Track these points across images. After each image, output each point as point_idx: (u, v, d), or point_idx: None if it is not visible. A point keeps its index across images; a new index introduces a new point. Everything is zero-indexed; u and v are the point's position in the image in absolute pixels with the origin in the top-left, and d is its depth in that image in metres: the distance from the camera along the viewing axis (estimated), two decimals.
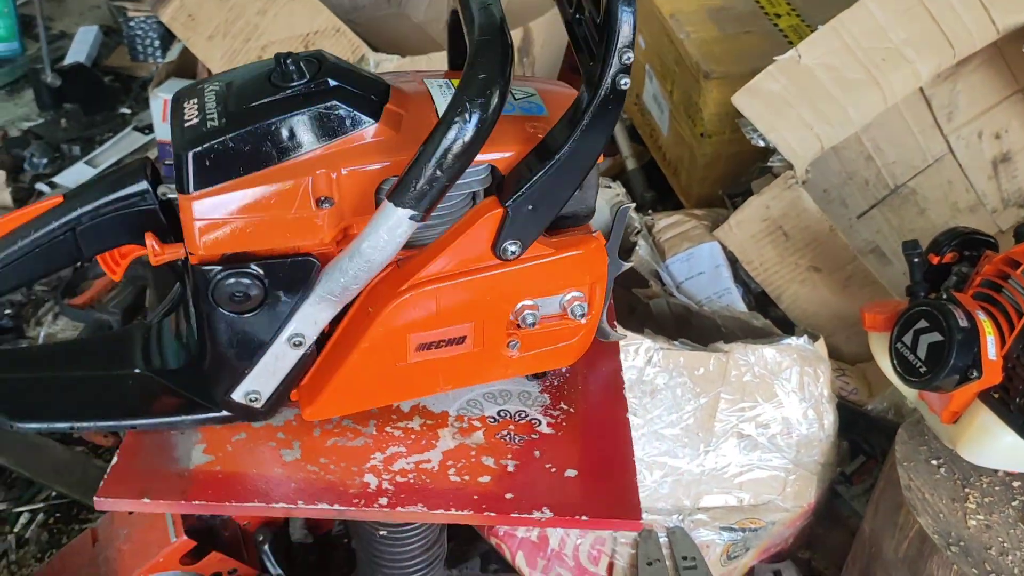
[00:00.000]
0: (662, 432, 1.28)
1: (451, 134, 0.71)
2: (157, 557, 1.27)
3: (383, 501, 0.83)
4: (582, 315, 0.84)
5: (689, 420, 1.29)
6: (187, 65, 2.28)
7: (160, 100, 2.23)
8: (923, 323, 1.16)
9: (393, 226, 0.74)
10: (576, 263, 0.83)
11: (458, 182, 0.75)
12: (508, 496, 0.83)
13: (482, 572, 1.43)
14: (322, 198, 0.77)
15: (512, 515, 0.82)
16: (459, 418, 0.91)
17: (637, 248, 1.63)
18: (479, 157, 0.75)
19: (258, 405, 0.85)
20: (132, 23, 2.77)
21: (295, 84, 0.78)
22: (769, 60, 1.57)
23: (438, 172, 0.71)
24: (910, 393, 1.25)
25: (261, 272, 0.78)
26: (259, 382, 0.83)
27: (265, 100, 0.77)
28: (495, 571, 1.42)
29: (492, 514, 0.82)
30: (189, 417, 0.86)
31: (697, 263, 1.63)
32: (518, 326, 0.84)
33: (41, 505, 1.55)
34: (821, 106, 1.52)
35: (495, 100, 0.72)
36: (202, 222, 0.76)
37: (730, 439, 1.31)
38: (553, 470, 0.86)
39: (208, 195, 0.76)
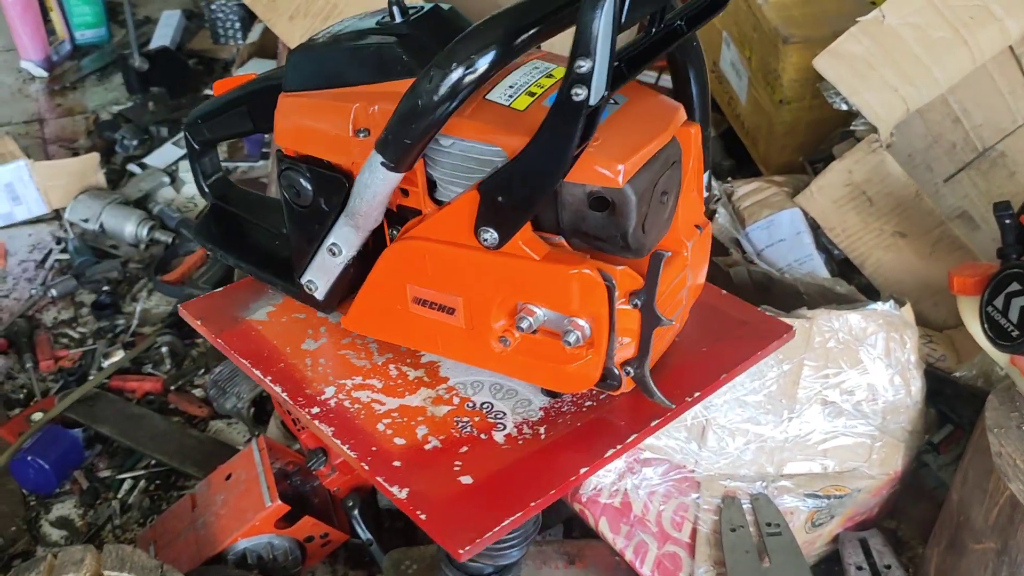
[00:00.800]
0: (745, 399, 1.28)
1: (411, 94, 0.73)
2: (253, 521, 1.32)
3: (314, 410, 0.88)
4: (573, 343, 0.78)
5: (772, 387, 1.29)
6: (268, 46, 2.34)
7: None
8: (1015, 286, 1.14)
9: (372, 168, 0.79)
10: (554, 279, 0.77)
11: (477, 157, 0.77)
12: (395, 463, 0.82)
13: (565, 538, 1.45)
14: (360, 128, 0.83)
15: (376, 477, 0.81)
16: (450, 388, 0.90)
17: (716, 216, 1.63)
18: (491, 138, 0.76)
19: (317, 295, 0.93)
20: (213, 6, 2.83)
21: (384, 24, 0.83)
22: (850, 22, 1.54)
23: (398, 126, 0.74)
24: (1001, 358, 1.23)
25: (309, 176, 0.86)
26: (315, 275, 0.91)
27: (354, 31, 0.85)
28: (578, 537, 1.44)
29: (365, 467, 0.82)
30: (281, 282, 0.98)
31: (778, 230, 1.62)
32: (516, 325, 0.81)
33: (142, 472, 1.62)
34: (906, 67, 1.49)
35: (457, 74, 0.70)
36: (282, 117, 0.87)
37: (814, 406, 1.30)
38: (456, 468, 0.82)
39: (291, 96, 0.86)
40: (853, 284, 1.60)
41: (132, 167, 2.41)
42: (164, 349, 1.84)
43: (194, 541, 1.35)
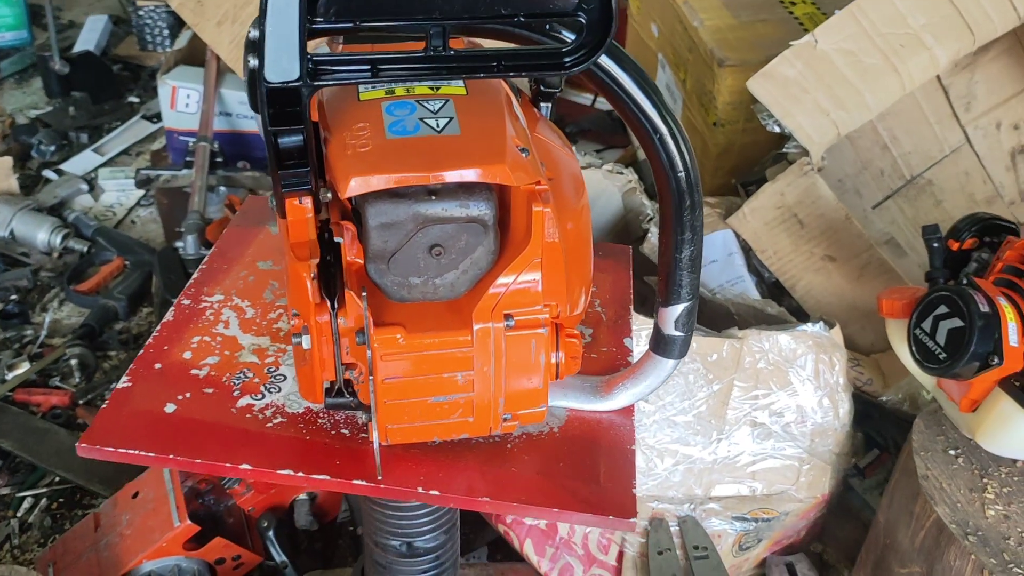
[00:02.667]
0: (674, 419, 1.26)
1: None
2: (160, 542, 1.25)
3: (185, 301, 0.95)
4: (295, 342, 0.72)
5: (702, 407, 1.27)
6: (196, 53, 2.27)
7: (168, 87, 2.21)
8: (943, 308, 1.14)
9: None
10: (288, 263, 0.71)
11: None
12: (156, 365, 0.86)
13: (489, 561, 1.41)
14: None
15: (132, 364, 0.86)
16: (282, 351, 0.89)
17: (649, 235, 1.61)
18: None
19: None
20: (141, 12, 2.76)
21: None
22: (784, 47, 1.54)
23: None
24: (928, 381, 1.23)
25: None
26: None
27: None
28: (502, 559, 1.40)
29: (139, 352, 0.88)
30: None
31: (710, 251, 1.61)
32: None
33: (44, 490, 1.53)
34: (838, 91, 1.50)
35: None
36: None
37: (743, 427, 1.29)
38: (181, 398, 0.82)
39: None
40: (784, 307, 1.60)
41: (48, 173, 2.31)
42: (74, 361, 1.75)
43: (96, 563, 1.28)
